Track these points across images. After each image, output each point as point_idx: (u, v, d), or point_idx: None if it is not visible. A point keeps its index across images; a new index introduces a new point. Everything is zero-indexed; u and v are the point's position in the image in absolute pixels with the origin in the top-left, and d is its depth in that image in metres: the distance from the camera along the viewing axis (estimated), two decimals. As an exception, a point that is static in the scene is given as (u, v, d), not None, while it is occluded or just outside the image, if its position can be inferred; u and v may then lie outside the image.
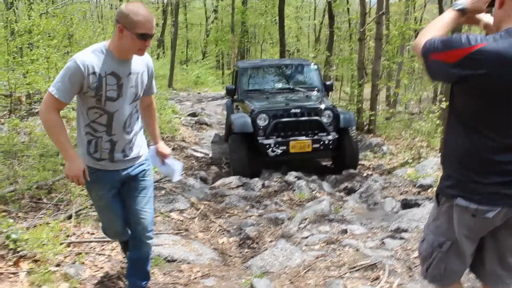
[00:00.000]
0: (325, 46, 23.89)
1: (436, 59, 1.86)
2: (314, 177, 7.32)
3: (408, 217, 4.76)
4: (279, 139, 7.31)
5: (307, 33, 36.14)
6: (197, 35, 41.95)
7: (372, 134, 11.09)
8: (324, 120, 7.47)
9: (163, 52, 33.17)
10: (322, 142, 7.35)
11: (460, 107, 1.97)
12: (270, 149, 7.23)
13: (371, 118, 11.36)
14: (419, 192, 6.10)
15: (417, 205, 5.36)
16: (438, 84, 16.80)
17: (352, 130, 7.72)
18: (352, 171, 7.52)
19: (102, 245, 4.18)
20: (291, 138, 7.34)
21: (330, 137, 7.39)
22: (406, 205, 5.57)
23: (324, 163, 8.92)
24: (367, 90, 12.53)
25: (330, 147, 7.41)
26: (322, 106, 7.59)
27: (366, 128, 11.56)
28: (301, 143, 7.30)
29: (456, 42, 1.81)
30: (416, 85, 15.38)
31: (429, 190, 5.98)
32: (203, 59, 36.19)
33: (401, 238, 4.32)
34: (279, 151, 7.26)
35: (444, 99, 8.61)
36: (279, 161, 7.74)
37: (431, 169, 6.80)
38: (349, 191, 6.81)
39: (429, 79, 1.96)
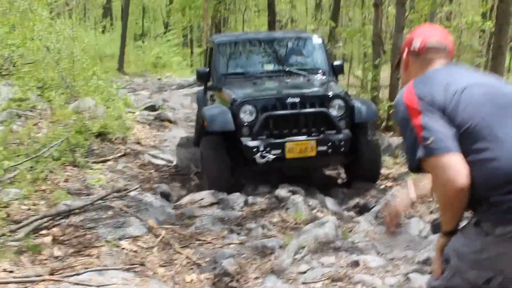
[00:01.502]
0: (328, 14, 23.98)
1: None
2: (315, 190, 7.31)
3: (441, 243, 4.75)
4: (271, 140, 7.17)
5: (305, -3, 36.22)
6: (157, 0, 41.80)
7: (391, 133, 11.13)
8: (333, 112, 7.35)
9: (111, 24, 33.05)
10: (330, 144, 7.20)
11: None
12: (259, 153, 7.09)
13: (391, 111, 11.39)
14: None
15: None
16: (482, 63, 16.95)
17: (372, 127, 7.71)
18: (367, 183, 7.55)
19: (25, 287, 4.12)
20: (287, 139, 7.20)
21: (341, 136, 7.25)
22: (438, 227, 5.52)
23: (328, 172, 8.93)
24: (384, 73, 12.61)
25: (342, 150, 7.25)
26: (330, 94, 7.50)
27: (383, 124, 11.59)
28: (301, 145, 7.18)
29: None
30: (451, 66, 15.40)
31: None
32: (165, 33, 36.11)
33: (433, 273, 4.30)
34: (272, 157, 7.10)
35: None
36: (271, 171, 7.70)
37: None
38: (361, 210, 6.78)
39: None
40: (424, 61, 2.55)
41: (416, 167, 2.33)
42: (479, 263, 2.27)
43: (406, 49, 2.63)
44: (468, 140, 2.23)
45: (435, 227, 5.60)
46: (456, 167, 2.18)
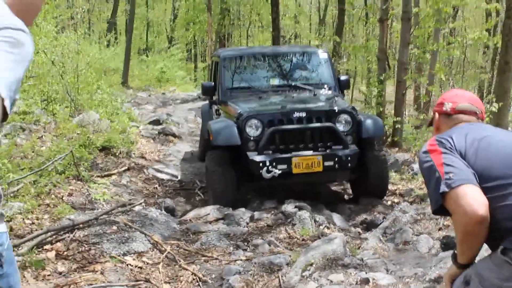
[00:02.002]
0: (332, 30, 24.02)
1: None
2: (321, 206, 7.25)
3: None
4: (278, 155, 7.13)
5: (309, 13, 36.39)
6: (161, 15, 42.02)
7: (397, 148, 11.09)
8: (340, 127, 7.32)
9: (115, 39, 33.17)
10: (337, 159, 7.15)
11: None
12: (265, 168, 7.02)
13: (397, 127, 11.36)
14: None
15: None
16: (485, 81, 16.93)
17: (378, 142, 7.66)
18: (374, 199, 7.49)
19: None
20: (294, 154, 7.16)
21: (348, 152, 7.20)
22: (448, 244, 5.49)
23: (334, 188, 8.87)
24: (389, 89, 12.57)
25: (349, 165, 7.21)
26: (337, 109, 7.48)
27: (389, 140, 11.55)
28: (308, 160, 7.13)
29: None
30: (456, 81, 15.49)
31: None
32: (169, 48, 36.22)
33: (444, 291, 4.23)
34: (278, 172, 7.03)
35: (495, 99, 8.62)
36: (277, 186, 7.65)
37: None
38: (369, 226, 6.76)
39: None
40: (454, 121, 2.69)
41: (440, 206, 2.35)
42: None
43: (437, 111, 2.79)
44: (485, 179, 2.30)
45: (445, 245, 5.54)
46: (475, 197, 2.22)
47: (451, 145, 2.42)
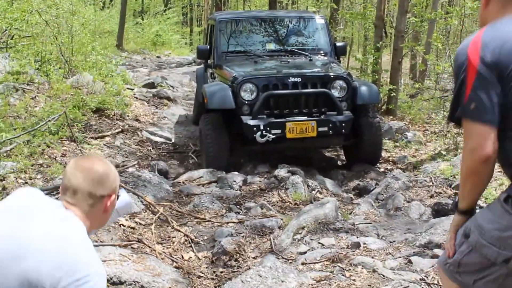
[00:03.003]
0: (330, -4, 23.79)
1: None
2: (314, 172, 7.27)
3: (442, 227, 4.72)
4: (272, 119, 7.11)
5: (307, -21, 36.03)
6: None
7: (392, 116, 11.11)
8: (335, 93, 7.29)
9: (110, 1, 32.80)
10: (331, 125, 7.14)
11: None
12: (259, 132, 7.00)
13: (392, 95, 11.36)
14: (456, 195, 6.07)
15: (453, 211, 5.31)
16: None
17: (373, 109, 7.64)
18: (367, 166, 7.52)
19: None
20: (288, 118, 7.15)
21: (342, 118, 7.18)
22: (439, 211, 5.54)
23: (327, 154, 8.89)
24: (385, 58, 12.52)
25: (343, 131, 7.22)
26: (332, 74, 7.47)
27: (384, 107, 11.55)
28: (302, 125, 7.12)
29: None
30: (452, 51, 15.34)
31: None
32: (165, 11, 35.91)
33: (434, 256, 4.27)
34: (272, 136, 7.02)
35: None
36: (271, 151, 7.66)
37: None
38: (361, 192, 6.79)
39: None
40: (506, 2, 2.32)
41: (453, 121, 2.30)
42: (500, 240, 2.24)
43: None
44: None
45: (436, 212, 5.58)
46: (487, 138, 2.15)
47: (491, 64, 2.15)
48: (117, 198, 2.34)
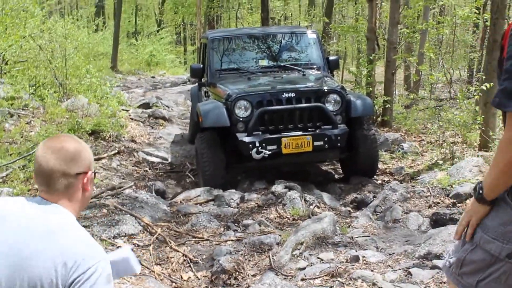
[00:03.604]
0: (322, 11, 23.95)
1: None
2: (311, 186, 7.27)
3: (441, 237, 4.72)
4: (267, 136, 7.11)
5: (298, -6, 36.25)
6: (149, -2, 41.77)
7: (387, 128, 11.12)
8: (329, 107, 7.31)
9: (104, 23, 32.92)
10: (326, 139, 7.14)
11: None
12: (255, 149, 6.99)
13: (386, 106, 11.39)
14: (454, 204, 6.08)
15: (452, 221, 5.33)
16: (475, 60, 16.92)
17: (368, 122, 7.65)
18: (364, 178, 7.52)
19: None
20: (283, 134, 7.15)
21: (337, 131, 7.19)
22: (438, 221, 5.53)
23: (324, 168, 8.88)
24: (379, 69, 12.56)
25: (338, 144, 7.22)
26: (326, 88, 7.48)
27: (379, 119, 11.57)
28: (297, 140, 7.12)
29: None
30: (445, 60, 15.47)
31: (468, 201, 5.96)
32: (158, 31, 36.04)
33: (434, 267, 4.26)
34: (268, 152, 7.01)
35: (484, 77, 8.62)
36: (267, 167, 7.66)
37: (470, 172, 6.79)
38: (359, 205, 6.77)
39: None
40: None
41: (499, 108, 2.17)
42: (504, 235, 2.24)
43: None
44: None
45: (435, 222, 5.57)
46: None
47: None
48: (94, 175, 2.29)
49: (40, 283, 1.86)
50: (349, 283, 4.17)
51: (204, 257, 5.11)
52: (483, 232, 2.31)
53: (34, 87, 10.73)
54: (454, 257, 2.45)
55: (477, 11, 13.17)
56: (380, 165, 8.27)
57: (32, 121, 8.91)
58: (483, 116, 8.32)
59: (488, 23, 10.82)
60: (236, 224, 5.95)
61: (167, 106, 14.36)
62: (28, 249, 1.90)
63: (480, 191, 2.28)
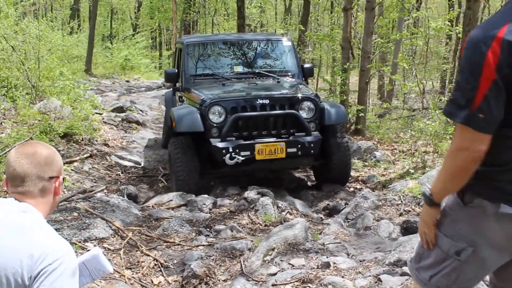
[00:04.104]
0: (297, 19, 24.05)
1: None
2: (284, 193, 7.28)
3: (411, 244, 4.74)
4: (241, 141, 7.11)
5: (275, 1, 36.34)
6: (125, 2, 41.50)
7: (360, 136, 11.19)
8: (303, 114, 7.34)
9: (79, 26, 32.66)
10: (300, 146, 7.17)
11: None
12: (228, 155, 6.99)
13: (360, 115, 11.46)
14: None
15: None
16: (447, 71, 17.12)
17: (341, 130, 7.69)
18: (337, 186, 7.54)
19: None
20: (257, 140, 7.16)
21: (310, 138, 7.23)
22: (408, 229, 5.57)
23: (297, 174, 8.90)
24: (354, 78, 12.64)
25: (311, 152, 7.25)
26: (300, 96, 7.50)
27: (353, 127, 11.64)
28: (271, 147, 7.14)
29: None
30: (419, 71, 15.59)
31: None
32: (133, 35, 35.87)
33: (404, 274, 4.28)
34: (241, 158, 7.01)
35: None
36: (241, 173, 7.65)
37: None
38: (331, 212, 6.78)
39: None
40: None
41: (449, 117, 2.20)
42: (455, 232, 2.34)
43: None
44: None
45: (405, 230, 5.61)
46: (484, 143, 2.11)
47: (507, 73, 2.01)
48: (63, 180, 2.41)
49: (5, 273, 1.92)
50: (320, 289, 4.18)
51: (175, 261, 5.07)
52: (437, 229, 2.41)
53: (6, 88, 10.60)
54: (415, 252, 2.59)
55: (450, 24, 13.35)
56: (352, 173, 8.31)
57: (3, 123, 8.80)
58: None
59: (460, 35, 10.97)
60: (208, 229, 5.92)
61: (141, 110, 14.30)
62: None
63: (430, 197, 2.37)
